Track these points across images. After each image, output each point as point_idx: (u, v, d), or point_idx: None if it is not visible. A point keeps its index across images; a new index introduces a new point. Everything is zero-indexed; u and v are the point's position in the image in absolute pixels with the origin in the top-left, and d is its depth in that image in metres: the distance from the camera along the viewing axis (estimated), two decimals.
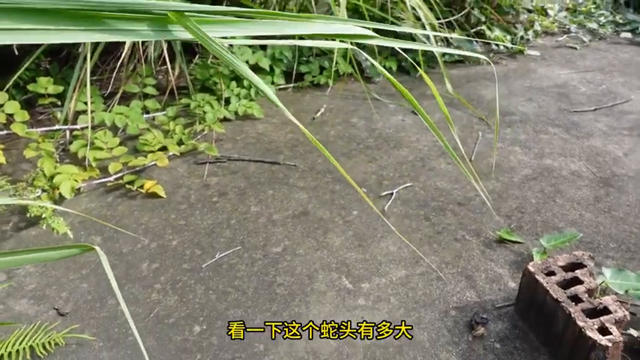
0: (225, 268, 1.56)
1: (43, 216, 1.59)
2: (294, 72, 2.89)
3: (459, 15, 3.21)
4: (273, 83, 2.81)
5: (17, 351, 1.22)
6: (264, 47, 2.88)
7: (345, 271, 1.55)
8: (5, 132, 2.01)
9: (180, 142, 2.21)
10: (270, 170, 2.09)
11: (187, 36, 0.62)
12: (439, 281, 1.50)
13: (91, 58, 2.16)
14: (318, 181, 2.01)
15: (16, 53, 2.14)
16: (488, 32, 3.36)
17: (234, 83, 2.66)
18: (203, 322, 1.37)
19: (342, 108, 2.67)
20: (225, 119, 2.47)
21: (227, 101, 2.58)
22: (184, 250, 1.63)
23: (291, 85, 2.93)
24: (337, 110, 2.65)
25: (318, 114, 2.60)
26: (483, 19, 3.32)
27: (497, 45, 3.37)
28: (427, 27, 2.64)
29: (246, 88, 2.69)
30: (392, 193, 1.92)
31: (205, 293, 1.46)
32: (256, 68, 2.77)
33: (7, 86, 2.01)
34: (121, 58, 2.44)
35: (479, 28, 3.34)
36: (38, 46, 2.30)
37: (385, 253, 1.62)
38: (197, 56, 2.92)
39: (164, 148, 2.13)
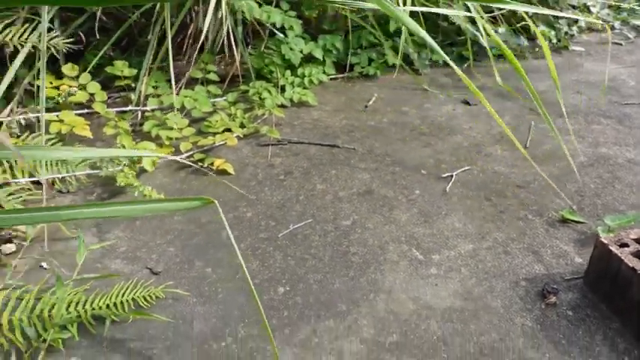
0: (300, 238, 1.65)
1: (135, 184, 1.71)
2: (347, 63, 2.97)
3: (506, 9, 3.25)
4: (324, 73, 2.90)
5: (121, 302, 1.33)
6: (315, 39, 2.97)
7: (414, 244, 1.62)
8: (86, 110, 2.14)
9: (242, 126, 2.32)
10: (330, 152, 2.18)
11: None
12: (507, 255, 1.57)
13: (162, 44, 2.29)
14: (377, 163, 2.09)
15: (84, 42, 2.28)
16: (533, 27, 3.39)
17: (288, 72, 2.77)
18: (286, 284, 1.46)
19: (392, 97, 2.75)
20: (281, 106, 2.57)
21: (282, 89, 2.68)
22: (259, 222, 1.73)
23: (341, 75, 3.01)
24: (388, 99, 2.72)
25: (370, 102, 2.68)
26: (530, 13, 3.35)
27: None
28: (477, 19, 2.70)
29: (299, 77, 2.79)
30: (451, 176, 1.98)
31: (284, 259, 1.56)
32: (309, 59, 2.87)
33: (89, 68, 2.15)
34: (184, 45, 2.56)
35: (524, 22, 3.38)
36: (109, 36, 2.44)
37: (451, 228, 1.69)
38: (249, 46, 3.03)
39: (227, 131, 2.24)
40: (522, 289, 1.44)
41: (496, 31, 3.22)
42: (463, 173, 2.01)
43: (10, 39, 1.67)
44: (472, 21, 2.97)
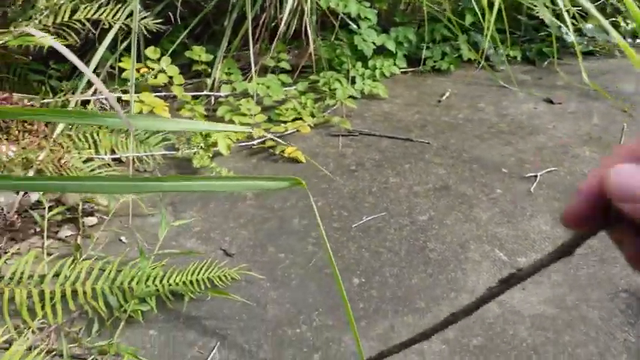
0: (374, 231, 1.59)
1: (211, 166, 1.72)
2: (418, 57, 2.88)
3: (595, 4, 3.03)
4: (395, 65, 2.82)
5: (197, 280, 1.33)
6: (387, 30, 2.89)
7: (497, 244, 1.52)
8: (163, 93, 2.19)
9: (312, 115, 2.29)
10: (403, 146, 2.10)
11: None
12: (602, 263, 1.43)
13: (236, 33, 2.31)
14: (454, 159, 1.99)
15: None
16: (623, 24, 3.15)
17: (359, 64, 2.71)
18: (361, 276, 1.41)
19: (466, 93, 2.63)
20: (351, 97, 2.52)
21: (352, 80, 2.62)
22: (331, 211, 1.68)
23: (413, 69, 2.92)
24: (462, 95, 2.61)
25: (444, 97, 2.57)
26: (622, 9, 3.11)
27: (634, 37, 3.15)
28: (564, 13, 2.52)
29: (370, 69, 2.72)
30: (535, 176, 1.85)
31: (358, 250, 1.50)
32: (380, 50, 2.80)
33: (169, 51, 2.19)
34: (257, 34, 2.57)
35: (614, 19, 3.14)
36: (185, 24, 2.49)
37: (537, 231, 1.57)
38: (319, 37, 3.01)
39: (297, 119, 2.22)
40: (622, 301, 1.31)
41: (582, 28, 3.01)
42: (548, 174, 1.87)
43: (105, 17, 1.73)
44: (556, 16, 2.79)
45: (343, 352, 1.17)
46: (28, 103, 1.78)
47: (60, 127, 1.67)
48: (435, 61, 2.91)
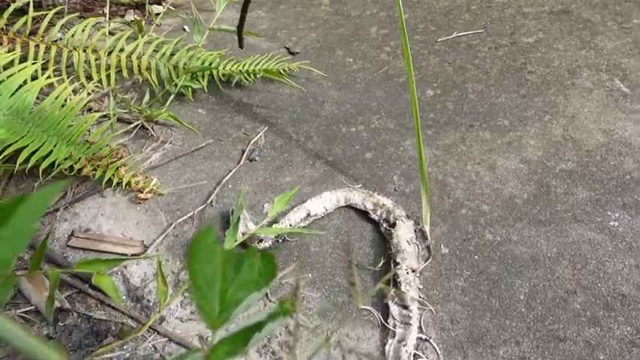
0: (464, 47, 1.33)
1: None
2: None
3: None
4: None
5: (254, 70, 1.21)
6: None
7: (619, 75, 1.21)
8: None
9: None
10: None
11: None
12: None
13: None
14: None
15: None
16: None
17: None
18: (437, 88, 1.20)
19: None
20: None
21: None
22: (417, 24, 1.43)
23: None
24: None
25: None
26: None
27: None
28: None
29: None
30: None
31: (440, 64, 1.28)
32: None
33: None
34: None
35: None
36: None
37: None
38: None
39: None
40: None
41: None
42: None
43: None
44: None
45: (400, 155, 1.03)
46: None
47: None
48: None
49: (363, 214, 0.91)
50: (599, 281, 0.80)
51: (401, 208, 0.89)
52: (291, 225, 0.86)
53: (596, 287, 0.79)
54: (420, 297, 0.77)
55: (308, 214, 0.89)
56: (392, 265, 0.81)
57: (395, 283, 0.78)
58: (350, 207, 0.92)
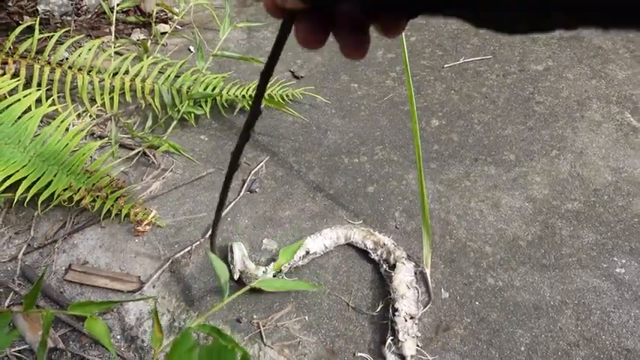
0: (471, 74, 1.31)
1: None
2: None
3: None
4: None
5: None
6: None
7: (630, 108, 1.18)
8: None
9: None
10: None
11: None
12: None
13: None
14: None
15: None
16: None
17: None
18: (442, 118, 1.18)
19: None
20: None
21: None
22: (423, 48, 1.42)
23: None
24: None
25: None
26: None
27: None
28: None
29: None
30: None
31: (446, 92, 1.26)
32: None
33: None
34: None
35: None
36: None
37: None
38: None
39: None
40: None
41: None
42: None
43: None
44: None
45: (402, 190, 1.01)
46: None
47: None
48: None
49: (363, 253, 0.89)
50: (603, 333, 0.77)
51: (401, 249, 0.87)
52: (289, 264, 0.85)
53: (600, 340, 0.77)
54: (417, 346, 0.76)
55: (307, 253, 0.88)
56: (390, 311, 0.79)
57: (393, 330, 0.77)
58: (350, 245, 0.91)
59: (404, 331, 0.75)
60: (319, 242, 0.89)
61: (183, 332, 0.27)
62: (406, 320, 0.77)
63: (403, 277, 0.82)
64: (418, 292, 0.82)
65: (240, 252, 0.86)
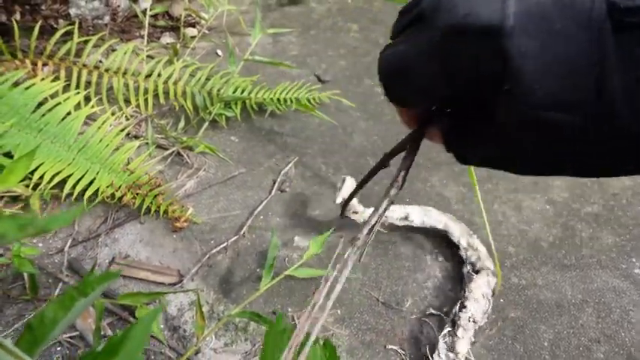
0: None
1: None
2: None
3: None
4: None
5: (284, 99, 1.25)
6: None
7: None
8: None
9: None
10: None
11: None
12: None
13: None
14: None
15: None
16: None
17: None
18: None
19: None
20: None
21: None
22: None
23: None
24: None
25: None
26: None
27: None
28: None
29: None
30: None
31: None
32: None
33: None
34: None
35: None
36: None
37: None
38: None
39: None
40: None
41: None
42: None
43: None
44: None
45: (427, 192, 1.05)
46: None
47: None
48: None
49: (438, 244, 0.93)
50: (622, 331, 0.81)
51: (491, 260, 0.88)
52: (386, 217, 0.91)
53: (620, 337, 0.81)
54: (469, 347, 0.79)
55: (406, 217, 0.92)
56: (457, 307, 0.81)
57: (453, 324, 0.80)
58: (439, 233, 0.93)
59: (465, 329, 0.79)
60: (421, 215, 0.93)
61: (279, 314, 0.31)
62: (469, 321, 0.79)
63: (482, 285, 0.84)
64: (489, 305, 0.83)
65: (351, 185, 0.93)
